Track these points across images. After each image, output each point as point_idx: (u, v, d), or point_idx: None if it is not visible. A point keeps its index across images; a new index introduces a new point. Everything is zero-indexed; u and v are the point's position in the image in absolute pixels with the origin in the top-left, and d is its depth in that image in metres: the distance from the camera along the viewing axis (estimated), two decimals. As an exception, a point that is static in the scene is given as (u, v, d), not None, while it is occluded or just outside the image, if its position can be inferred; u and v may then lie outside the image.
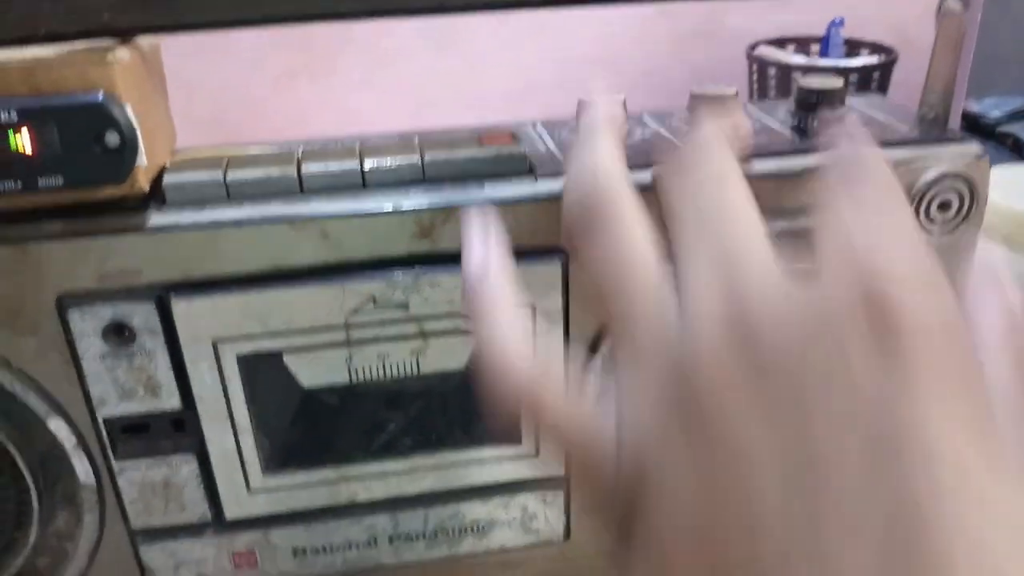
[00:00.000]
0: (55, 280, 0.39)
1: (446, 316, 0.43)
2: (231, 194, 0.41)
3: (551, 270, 0.43)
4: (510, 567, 0.52)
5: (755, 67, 1.15)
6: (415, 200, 0.42)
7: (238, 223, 0.40)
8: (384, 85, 1.16)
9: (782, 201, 0.40)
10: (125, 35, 0.40)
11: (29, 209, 0.39)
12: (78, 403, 0.42)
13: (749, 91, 1.25)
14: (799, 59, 1.14)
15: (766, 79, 1.14)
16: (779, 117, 0.49)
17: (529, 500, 0.50)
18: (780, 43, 1.23)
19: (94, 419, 0.43)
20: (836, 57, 1.21)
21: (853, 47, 1.27)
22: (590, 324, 0.45)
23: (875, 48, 1.26)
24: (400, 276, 0.42)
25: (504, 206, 0.42)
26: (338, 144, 0.45)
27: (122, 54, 0.39)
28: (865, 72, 1.17)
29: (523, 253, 0.42)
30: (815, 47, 1.25)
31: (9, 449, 0.42)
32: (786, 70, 1.11)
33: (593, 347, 0.46)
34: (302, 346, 0.42)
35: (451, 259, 0.42)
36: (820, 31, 1.35)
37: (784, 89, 1.10)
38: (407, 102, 1.17)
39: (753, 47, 1.17)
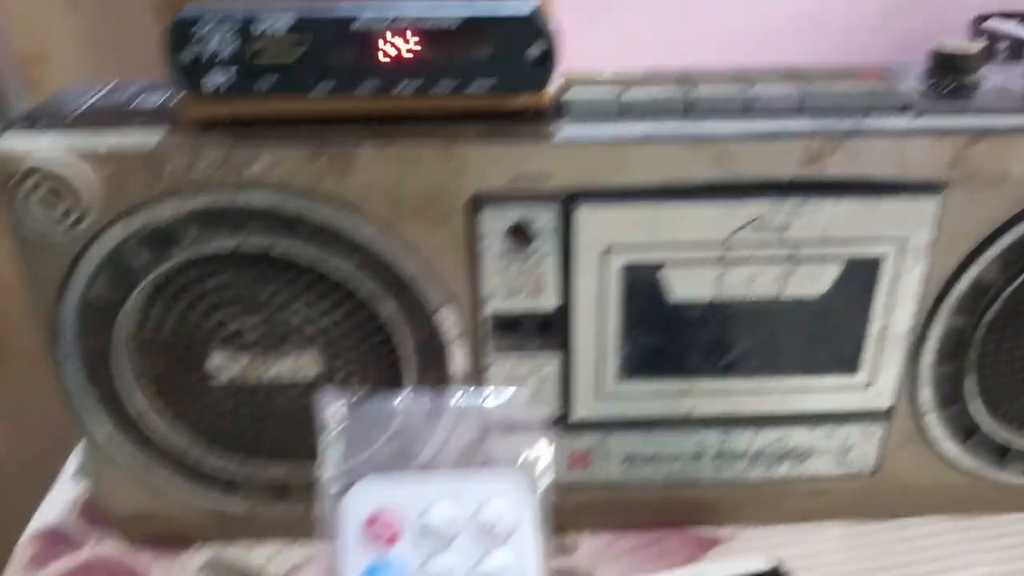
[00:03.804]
0: (472, 179, 0.41)
1: (819, 243, 0.44)
2: (625, 111, 0.42)
3: (926, 205, 0.43)
4: (816, 495, 0.53)
5: (984, 40, 1.09)
6: (803, 126, 0.42)
7: (642, 138, 0.41)
8: (596, 29, 1.15)
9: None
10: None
11: (453, 112, 0.41)
12: (467, 296, 0.44)
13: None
14: (1037, 33, 1.08)
15: (993, 53, 1.09)
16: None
17: (852, 431, 0.50)
18: (1007, 16, 1.16)
19: (478, 313, 0.45)
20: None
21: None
22: (951, 261, 0.45)
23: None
24: (785, 200, 0.42)
25: (884, 139, 0.42)
26: (718, 71, 0.45)
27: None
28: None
29: (899, 187, 0.42)
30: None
31: (395, 336, 0.45)
32: (1018, 44, 1.06)
33: (948, 286, 0.46)
34: (680, 260, 0.44)
35: (835, 187, 0.43)
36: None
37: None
38: (615, 46, 1.17)
39: (982, 19, 1.11)
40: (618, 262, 0.43)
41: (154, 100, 0.44)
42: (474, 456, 0.26)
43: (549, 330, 0.46)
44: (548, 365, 0.47)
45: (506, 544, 0.25)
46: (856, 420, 0.50)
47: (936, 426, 0.50)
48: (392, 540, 0.25)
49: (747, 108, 0.42)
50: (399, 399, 0.27)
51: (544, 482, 0.25)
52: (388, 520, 0.25)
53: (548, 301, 0.45)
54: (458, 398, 0.27)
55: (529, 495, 0.25)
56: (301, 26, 0.38)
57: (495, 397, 0.27)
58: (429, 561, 0.24)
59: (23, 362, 1.01)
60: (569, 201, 0.42)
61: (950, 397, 0.50)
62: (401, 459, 0.26)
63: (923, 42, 0.50)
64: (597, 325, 0.45)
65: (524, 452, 0.26)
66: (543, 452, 0.26)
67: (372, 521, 0.25)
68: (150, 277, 0.42)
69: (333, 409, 0.26)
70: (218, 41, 0.38)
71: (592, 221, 0.42)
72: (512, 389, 0.27)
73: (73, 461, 0.58)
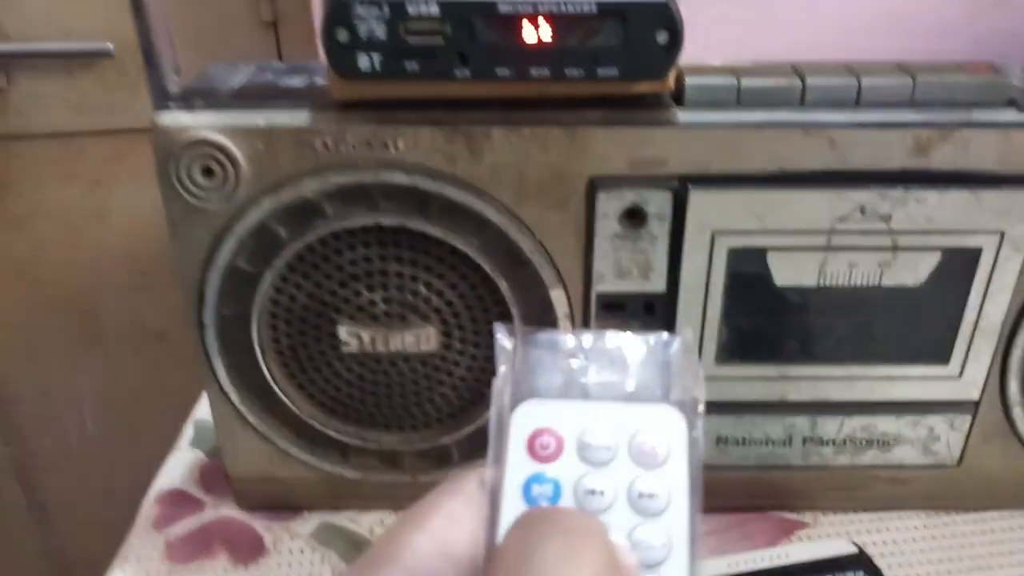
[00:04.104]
0: (593, 162, 0.44)
1: (921, 233, 0.46)
2: (742, 99, 0.45)
3: (1028, 198, 0.45)
4: (899, 483, 0.55)
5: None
6: (913, 117, 0.44)
7: (758, 125, 0.44)
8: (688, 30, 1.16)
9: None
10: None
11: (578, 97, 0.44)
12: (578, 276, 0.47)
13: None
14: None
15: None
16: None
17: (938, 422, 0.52)
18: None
19: (586, 294, 0.47)
20: None
21: None
22: (1045, 255, 0.47)
23: None
24: (892, 189, 0.44)
25: (990, 132, 0.44)
26: (827, 63, 0.48)
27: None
28: None
29: (1003, 180, 0.44)
30: None
31: (512, 312, 0.47)
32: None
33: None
34: (786, 246, 0.46)
35: (940, 178, 0.45)
36: None
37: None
38: (696, 48, 1.18)
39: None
40: (726, 246, 0.46)
41: (298, 81, 0.47)
42: (634, 391, 0.29)
43: (653, 312, 0.48)
44: (652, 346, 0.49)
45: (660, 472, 0.27)
46: (943, 410, 0.52)
47: (1023, 420, 0.52)
48: (552, 457, 0.27)
49: (859, 98, 0.44)
50: (567, 334, 0.29)
51: (699, 420, 0.28)
52: (549, 438, 0.27)
53: (655, 284, 0.47)
54: (622, 337, 0.29)
55: (685, 429, 0.28)
56: (449, 10, 0.40)
57: (657, 337, 0.29)
58: (584, 478, 0.27)
59: (113, 342, 1.05)
60: (683, 186, 0.44)
61: (1038, 391, 0.51)
62: (565, 387, 0.29)
63: (1004, 44, 0.51)
64: (701, 309, 0.48)
65: (683, 390, 0.28)
66: (700, 391, 0.28)
67: (535, 437, 0.27)
68: (293, 248, 0.45)
69: (506, 339, 0.29)
70: (371, 23, 0.41)
71: (703, 206, 0.45)
72: (678, 332, 0.29)
73: (188, 431, 0.61)
